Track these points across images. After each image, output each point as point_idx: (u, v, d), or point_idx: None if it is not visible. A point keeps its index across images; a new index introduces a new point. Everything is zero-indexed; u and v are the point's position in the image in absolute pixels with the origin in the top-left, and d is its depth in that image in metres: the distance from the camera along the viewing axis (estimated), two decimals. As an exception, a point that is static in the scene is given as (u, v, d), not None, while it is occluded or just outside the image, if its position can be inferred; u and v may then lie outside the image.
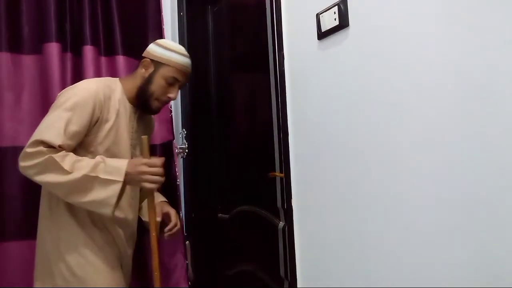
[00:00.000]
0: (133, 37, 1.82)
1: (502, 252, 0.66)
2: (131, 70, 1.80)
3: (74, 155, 1.13)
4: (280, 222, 1.28)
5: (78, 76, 1.65)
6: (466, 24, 0.71)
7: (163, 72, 1.26)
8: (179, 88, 1.30)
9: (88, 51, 1.65)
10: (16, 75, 1.58)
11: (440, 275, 0.76)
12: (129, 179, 1.12)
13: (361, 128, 0.94)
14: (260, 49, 1.38)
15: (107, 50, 1.75)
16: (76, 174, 1.08)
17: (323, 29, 1.04)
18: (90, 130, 1.19)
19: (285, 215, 1.24)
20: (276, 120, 1.28)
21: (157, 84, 1.26)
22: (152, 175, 1.12)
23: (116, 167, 1.12)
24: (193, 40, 1.90)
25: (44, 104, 1.56)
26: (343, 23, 0.98)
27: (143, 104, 1.29)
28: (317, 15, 1.07)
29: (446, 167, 0.74)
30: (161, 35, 1.91)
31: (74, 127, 1.14)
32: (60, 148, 1.11)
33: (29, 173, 1.12)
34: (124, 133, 1.27)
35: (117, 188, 1.10)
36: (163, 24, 1.91)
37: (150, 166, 1.13)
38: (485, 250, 0.68)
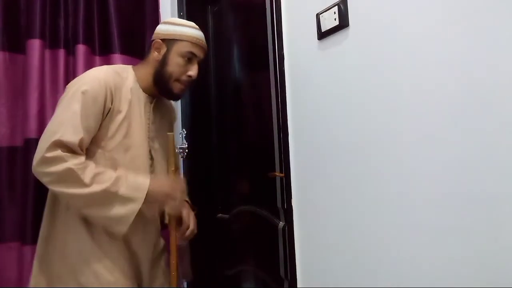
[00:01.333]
0: (130, 36, 1.82)
1: (502, 252, 0.66)
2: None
3: (94, 165, 1.06)
4: (280, 222, 1.28)
5: (71, 74, 1.65)
6: (466, 24, 0.71)
7: (178, 48, 1.15)
8: (198, 65, 1.19)
9: (81, 50, 1.64)
10: (14, 74, 1.57)
11: (440, 275, 0.76)
12: (150, 198, 1.05)
13: (361, 128, 0.94)
14: (260, 49, 1.38)
15: (102, 49, 1.75)
16: (96, 188, 1.02)
17: (323, 29, 1.04)
18: (101, 123, 1.10)
19: (285, 215, 1.24)
20: (276, 120, 1.27)
21: (173, 64, 1.15)
22: (177, 199, 1.08)
23: (137, 184, 1.05)
24: (193, 40, 1.90)
25: (37, 102, 1.56)
26: (343, 23, 0.98)
27: (163, 89, 1.19)
28: (317, 15, 1.07)
29: (447, 167, 0.74)
30: None
31: (87, 121, 1.06)
32: (81, 152, 1.05)
33: (44, 180, 1.04)
34: (138, 125, 1.16)
35: (136, 207, 1.03)
36: (160, 22, 1.91)
37: (176, 189, 1.08)
38: (485, 250, 0.68)
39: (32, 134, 1.53)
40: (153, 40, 1.20)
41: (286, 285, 1.24)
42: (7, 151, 1.54)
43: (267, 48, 1.32)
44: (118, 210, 1.03)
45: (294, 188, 1.18)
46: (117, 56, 1.75)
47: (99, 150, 1.11)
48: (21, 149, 1.55)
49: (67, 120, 1.04)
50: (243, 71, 1.70)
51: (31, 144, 1.51)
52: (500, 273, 0.66)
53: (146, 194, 1.04)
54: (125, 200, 1.03)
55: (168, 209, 1.09)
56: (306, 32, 1.11)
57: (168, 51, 1.17)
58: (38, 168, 1.03)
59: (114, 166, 1.10)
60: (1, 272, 1.48)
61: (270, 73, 1.31)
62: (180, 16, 1.92)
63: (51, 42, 1.62)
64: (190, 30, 1.18)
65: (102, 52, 1.74)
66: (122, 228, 1.04)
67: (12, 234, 1.51)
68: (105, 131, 1.11)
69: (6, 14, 1.57)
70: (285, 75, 1.21)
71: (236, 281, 1.65)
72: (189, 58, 1.16)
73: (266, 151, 1.34)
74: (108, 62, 1.76)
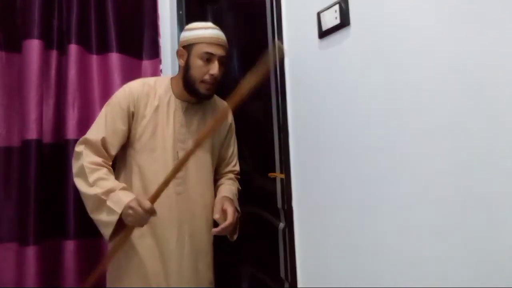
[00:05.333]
0: (128, 34, 1.81)
1: (502, 252, 0.65)
2: (125, 67, 1.79)
3: (107, 171, 1.20)
4: (281, 223, 1.27)
5: (63, 74, 1.65)
6: (469, 23, 0.70)
7: (195, 51, 1.23)
8: (220, 63, 1.25)
9: (73, 49, 1.64)
10: (11, 74, 1.56)
11: (440, 275, 0.75)
12: (125, 212, 1.12)
13: (362, 127, 0.93)
14: (260, 48, 1.37)
15: (100, 47, 1.74)
16: (93, 191, 1.15)
17: (324, 27, 1.03)
18: (131, 127, 1.26)
19: (286, 216, 1.23)
20: (276, 120, 1.27)
21: (195, 67, 1.23)
22: (138, 215, 1.10)
23: (119, 200, 1.13)
24: (192, 39, 1.89)
25: (29, 102, 1.54)
26: (344, 21, 0.97)
27: (192, 92, 1.28)
28: (318, 14, 1.06)
29: (447, 167, 0.74)
30: (156, 33, 1.91)
31: (114, 124, 1.23)
32: (103, 151, 1.20)
33: (73, 172, 1.21)
34: (164, 128, 1.27)
35: (115, 217, 1.12)
36: (159, 22, 1.90)
37: (140, 205, 1.10)
38: (485, 250, 0.68)
39: (33, 135, 1.52)
40: (177, 49, 1.30)
41: (286, 285, 1.23)
42: (4, 151, 1.53)
43: (267, 47, 1.31)
44: (104, 216, 1.15)
45: (294, 189, 1.17)
46: (114, 55, 1.75)
47: (131, 151, 1.27)
48: (18, 150, 1.54)
49: (95, 124, 1.25)
50: (243, 71, 1.69)
51: (30, 145, 1.51)
52: (500, 273, 0.66)
53: (123, 209, 1.12)
54: (110, 209, 1.13)
55: (126, 221, 1.13)
56: (307, 31, 1.11)
57: (189, 56, 1.25)
58: (72, 161, 1.23)
59: (142, 164, 1.26)
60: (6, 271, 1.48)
61: (270, 72, 1.30)
62: (179, 15, 1.91)
63: (47, 43, 1.62)
64: (204, 31, 1.24)
65: (99, 51, 1.73)
66: (107, 232, 1.15)
67: (9, 234, 1.51)
68: (134, 133, 1.26)
69: (1, 13, 1.56)
70: (285, 75, 1.20)
71: (236, 281, 1.64)
72: (208, 58, 1.22)
73: (266, 151, 1.33)
74: (105, 61, 1.75)
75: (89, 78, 1.70)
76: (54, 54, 1.62)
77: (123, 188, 1.18)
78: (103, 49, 1.74)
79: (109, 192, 1.15)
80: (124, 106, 1.24)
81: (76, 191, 1.58)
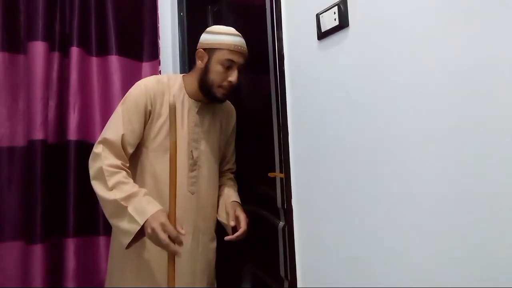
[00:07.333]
0: (127, 37, 1.82)
1: (502, 252, 0.66)
2: (125, 70, 1.81)
3: (126, 174, 1.16)
4: (280, 222, 1.28)
5: (65, 76, 1.66)
6: (467, 24, 0.71)
7: (217, 56, 1.23)
8: (239, 71, 1.26)
9: (75, 52, 1.65)
10: (14, 74, 1.58)
11: (440, 275, 0.76)
12: (147, 225, 1.08)
13: (361, 128, 0.94)
14: (260, 49, 1.38)
15: (99, 50, 1.75)
16: (112, 195, 1.10)
17: (323, 29, 1.04)
18: (146, 125, 1.23)
19: (285, 215, 1.24)
20: (276, 120, 1.27)
21: (215, 71, 1.23)
22: (160, 238, 1.06)
23: (143, 209, 1.09)
24: (193, 40, 1.90)
25: (35, 103, 1.56)
26: (343, 23, 0.98)
27: (208, 94, 1.28)
28: (317, 15, 1.07)
29: (447, 167, 0.74)
30: (156, 35, 1.92)
31: (131, 123, 1.20)
32: (121, 150, 1.17)
33: (90, 174, 1.17)
34: (179, 127, 1.25)
35: (136, 227, 1.08)
36: (159, 24, 1.91)
37: (164, 230, 1.06)
38: (485, 250, 0.68)
39: (39, 136, 1.54)
40: (197, 49, 1.29)
41: (286, 285, 1.24)
42: (7, 151, 1.54)
43: (267, 48, 1.32)
44: (125, 223, 1.09)
45: (294, 188, 1.18)
46: (114, 58, 1.76)
47: (144, 150, 1.24)
48: (21, 149, 1.56)
49: (112, 122, 1.21)
50: (243, 71, 1.69)
51: (36, 146, 1.53)
52: (500, 274, 0.66)
53: (146, 221, 1.08)
54: (131, 217, 1.08)
55: (148, 237, 1.10)
56: (306, 32, 1.12)
57: (209, 59, 1.25)
58: (89, 162, 1.18)
59: (156, 164, 1.23)
60: (3, 271, 1.49)
61: (270, 73, 1.31)
62: (180, 17, 1.92)
63: (51, 45, 1.63)
64: (228, 38, 1.24)
65: (99, 53, 1.75)
66: (126, 241, 1.10)
67: (13, 233, 1.52)
68: (148, 132, 1.24)
69: (5, 15, 1.57)
70: (285, 75, 1.21)
71: (236, 281, 1.64)
72: (228, 65, 1.23)
73: (266, 151, 1.34)
74: (105, 63, 1.76)
75: (90, 80, 1.71)
76: (56, 56, 1.64)
77: (146, 194, 1.15)
78: (103, 52, 1.76)
79: (130, 197, 1.11)
80: (141, 104, 1.22)
81: (76, 191, 1.59)
